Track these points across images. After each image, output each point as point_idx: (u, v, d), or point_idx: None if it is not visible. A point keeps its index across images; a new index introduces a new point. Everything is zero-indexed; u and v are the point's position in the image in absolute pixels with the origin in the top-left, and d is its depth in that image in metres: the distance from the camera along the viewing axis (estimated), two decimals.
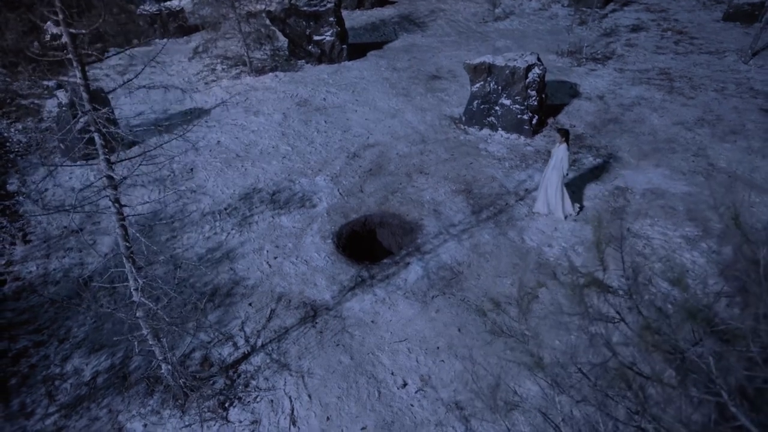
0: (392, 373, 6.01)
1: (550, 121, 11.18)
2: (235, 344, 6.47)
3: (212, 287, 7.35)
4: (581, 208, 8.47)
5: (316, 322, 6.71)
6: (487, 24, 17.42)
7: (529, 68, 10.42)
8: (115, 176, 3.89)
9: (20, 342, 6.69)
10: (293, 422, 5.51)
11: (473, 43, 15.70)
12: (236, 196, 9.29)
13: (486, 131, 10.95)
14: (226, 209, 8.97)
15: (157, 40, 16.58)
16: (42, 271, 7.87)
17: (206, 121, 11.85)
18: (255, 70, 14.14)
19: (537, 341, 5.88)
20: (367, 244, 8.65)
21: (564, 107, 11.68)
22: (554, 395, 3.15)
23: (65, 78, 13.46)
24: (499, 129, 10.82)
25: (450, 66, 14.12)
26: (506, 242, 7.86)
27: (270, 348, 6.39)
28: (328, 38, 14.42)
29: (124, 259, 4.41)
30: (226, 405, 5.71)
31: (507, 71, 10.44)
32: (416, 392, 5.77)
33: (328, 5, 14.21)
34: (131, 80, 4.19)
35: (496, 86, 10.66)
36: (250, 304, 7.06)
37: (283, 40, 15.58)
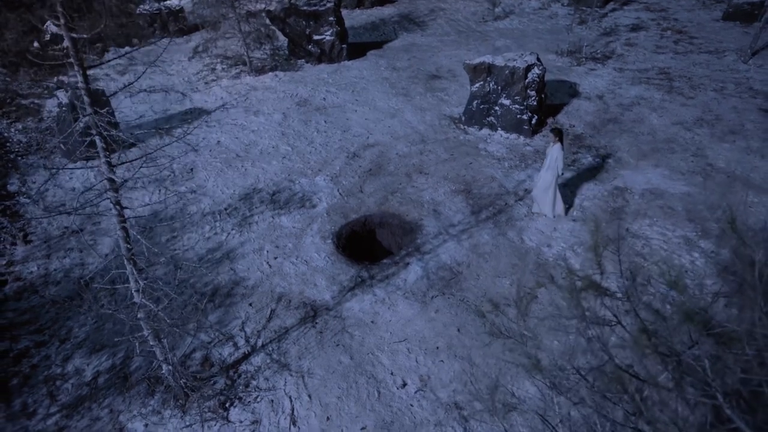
0: (392, 373, 6.04)
1: (550, 120, 11.20)
2: (235, 344, 6.50)
3: (212, 287, 7.38)
4: (569, 207, 8.53)
5: (316, 323, 6.74)
6: (487, 23, 17.42)
7: (528, 68, 10.43)
8: (116, 179, 3.91)
9: (22, 342, 6.72)
10: (293, 422, 5.55)
11: (473, 43, 15.71)
12: (236, 197, 9.31)
13: (485, 131, 10.97)
14: (226, 209, 9.00)
15: (158, 40, 16.58)
16: (43, 271, 7.89)
17: (206, 122, 11.87)
18: (255, 69, 14.16)
19: (535, 342, 5.91)
20: (366, 245, 8.67)
21: (563, 107, 11.69)
22: (552, 397, 3.18)
23: (65, 78, 13.48)
24: (499, 129, 10.84)
25: (450, 65, 14.13)
26: (505, 242, 7.89)
27: (270, 348, 6.42)
28: (327, 38, 14.43)
29: (125, 260, 4.43)
30: (227, 405, 5.75)
31: (506, 71, 10.45)
32: (416, 392, 5.80)
33: (328, 5, 14.22)
34: (132, 83, 4.21)
35: (495, 86, 10.68)
36: (250, 305, 7.08)
37: (282, 40, 15.59)
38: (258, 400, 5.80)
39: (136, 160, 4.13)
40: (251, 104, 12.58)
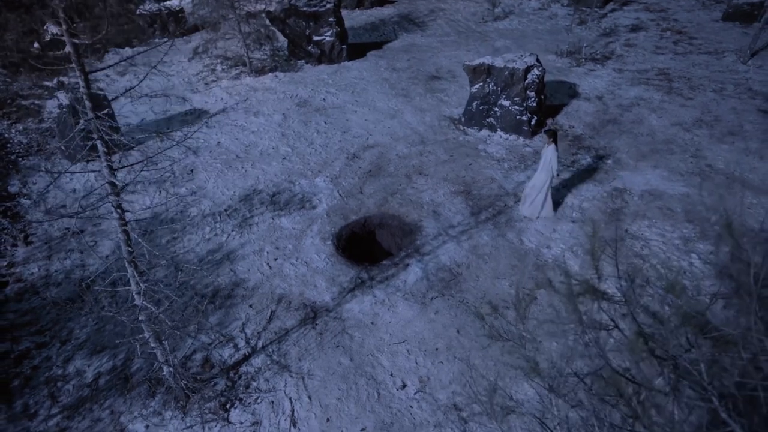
0: (391, 375, 6.07)
1: (549, 121, 11.22)
2: (235, 346, 6.53)
3: (213, 289, 7.41)
4: (558, 204, 8.64)
5: (316, 324, 6.77)
6: (487, 24, 17.43)
7: (528, 69, 10.45)
8: (117, 183, 3.94)
9: (23, 343, 6.75)
10: (293, 423, 5.57)
11: (473, 43, 15.73)
12: (236, 198, 9.34)
13: (485, 132, 10.99)
14: (226, 211, 9.02)
15: (160, 44, 16.58)
16: (44, 272, 7.92)
17: (206, 123, 11.89)
18: (255, 70, 14.18)
19: (534, 345, 5.93)
20: (366, 246, 8.70)
21: (563, 108, 11.71)
22: (551, 399, 3.21)
23: (65, 79, 13.49)
24: (498, 130, 10.86)
25: (449, 66, 14.15)
26: (505, 244, 7.91)
27: (270, 349, 6.45)
28: (327, 38, 14.45)
29: (126, 263, 4.46)
30: (227, 406, 5.77)
31: (506, 72, 10.48)
32: (415, 393, 5.83)
33: (328, 5, 14.23)
34: (134, 88, 4.23)
35: (495, 87, 10.70)
36: (250, 306, 7.11)
37: (282, 41, 15.60)
38: (258, 401, 5.83)
39: (137, 163, 4.15)
40: (251, 105, 12.60)
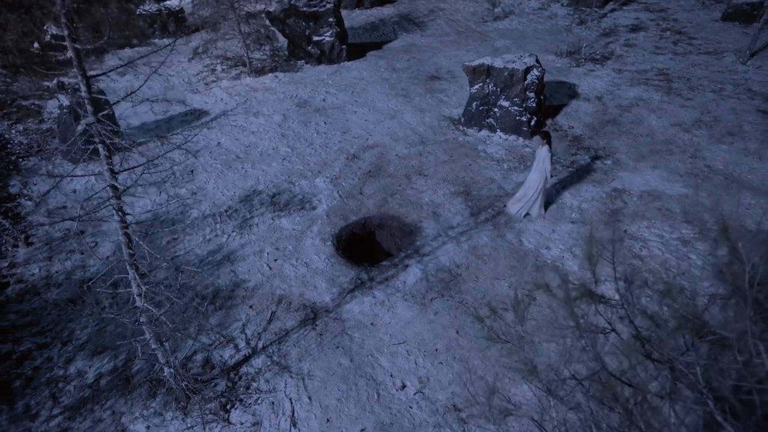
0: (391, 375, 6.09)
1: (549, 122, 11.24)
2: (236, 346, 6.55)
3: (213, 290, 7.43)
4: (549, 204, 8.71)
5: (316, 325, 6.80)
6: (487, 24, 17.44)
7: (527, 70, 10.47)
8: (118, 186, 3.96)
9: (24, 344, 6.78)
10: (294, 424, 5.60)
11: (472, 43, 15.74)
12: (236, 198, 9.36)
13: (485, 132, 11.01)
14: (226, 211, 9.04)
15: (158, 41, 16.57)
16: (44, 273, 7.94)
17: (206, 123, 11.90)
18: (255, 70, 14.19)
19: (532, 347, 5.97)
20: (366, 246, 8.72)
21: (562, 108, 11.73)
22: (549, 401, 3.23)
23: (65, 79, 13.51)
24: (498, 130, 10.88)
25: (449, 66, 14.16)
26: (504, 244, 7.94)
27: (271, 350, 6.48)
28: (327, 39, 14.46)
29: (127, 265, 4.48)
30: (228, 407, 5.81)
31: (506, 73, 10.49)
32: (415, 394, 5.86)
33: (328, 5, 14.24)
34: (135, 92, 4.26)
35: (494, 88, 10.72)
36: (250, 307, 7.14)
37: (282, 41, 15.61)
38: (259, 402, 5.86)
39: (138, 166, 4.18)
40: (251, 105, 12.62)
